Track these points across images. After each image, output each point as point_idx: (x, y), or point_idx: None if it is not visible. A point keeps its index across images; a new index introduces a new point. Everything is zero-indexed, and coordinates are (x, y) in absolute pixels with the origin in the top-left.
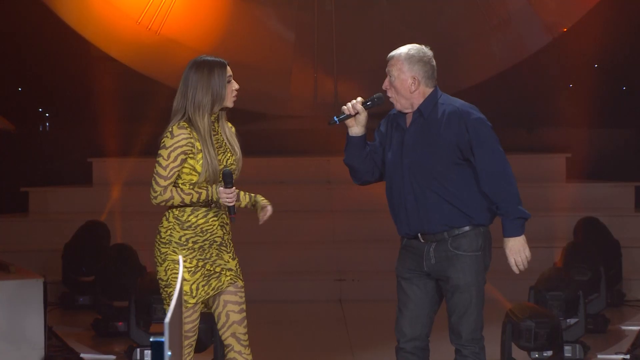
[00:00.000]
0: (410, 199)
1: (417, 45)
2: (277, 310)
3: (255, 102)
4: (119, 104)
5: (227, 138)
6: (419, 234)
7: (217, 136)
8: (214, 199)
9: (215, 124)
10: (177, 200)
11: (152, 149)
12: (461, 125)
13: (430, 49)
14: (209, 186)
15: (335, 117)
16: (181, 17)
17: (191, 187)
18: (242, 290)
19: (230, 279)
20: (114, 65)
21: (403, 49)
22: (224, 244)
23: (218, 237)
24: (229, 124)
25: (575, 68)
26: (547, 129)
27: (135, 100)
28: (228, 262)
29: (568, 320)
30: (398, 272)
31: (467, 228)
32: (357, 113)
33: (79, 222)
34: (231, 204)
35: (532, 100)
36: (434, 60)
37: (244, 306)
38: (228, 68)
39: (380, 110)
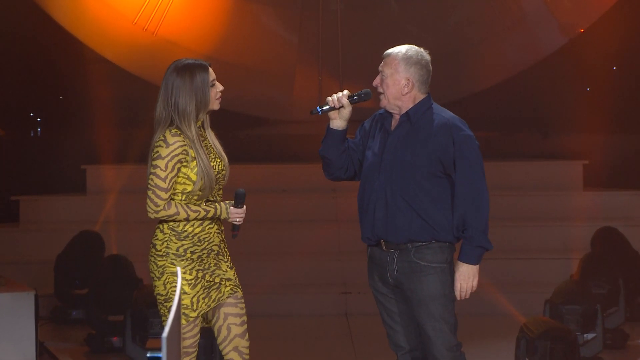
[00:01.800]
0: (380, 205)
1: (416, 47)
2: (279, 326)
3: (256, 107)
4: (114, 108)
5: (213, 144)
6: (382, 241)
7: (205, 142)
8: (222, 218)
9: (202, 130)
10: (182, 216)
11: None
12: (448, 138)
13: (429, 53)
14: (218, 205)
15: (318, 107)
16: (179, 17)
17: (185, 197)
18: (242, 301)
19: (230, 289)
20: (109, 67)
21: (401, 48)
22: (221, 253)
23: (215, 245)
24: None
25: (593, 70)
26: (563, 134)
27: (131, 104)
28: (226, 271)
29: (585, 335)
30: (372, 287)
31: (432, 242)
32: (341, 106)
33: (72, 232)
34: (238, 223)
35: (548, 104)
36: (430, 66)
37: (245, 318)
38: (211, 70)
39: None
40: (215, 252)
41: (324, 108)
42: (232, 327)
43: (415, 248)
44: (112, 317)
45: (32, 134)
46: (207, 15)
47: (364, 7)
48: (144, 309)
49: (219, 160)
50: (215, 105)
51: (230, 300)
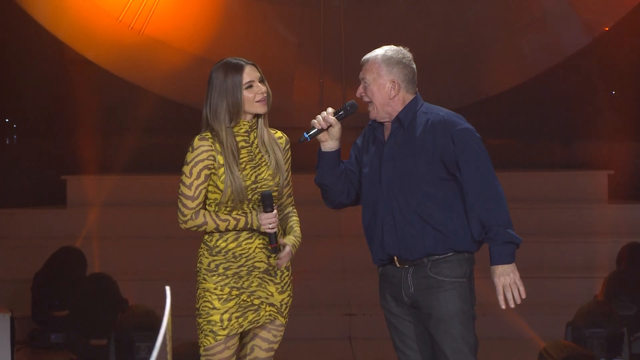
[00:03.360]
0: (388, 221)
1: (394, 46)
2: (278, 349)
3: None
4: (98, 113)
5: (265, 150)
6: (395, 257)
7: (249, 148)
8: (255, 227)
9: (252, 134)
10: (211, 226)
11: (135, 165)
12: (446, 136)
13: (437, 54)
14: (249, 211)
15: (305, 134)
16: (168, 14)
17: (217, 207)
18: (280, 329)
19: (270, 314)
20: (92, 69)
21: (379, 51)
22: (272, 272)
23: (260, 262)
24: (278, 134)
25: (619, 72)
26: (586, 142)
27: (116, 108)
28: (272, 295)
29: None
30: (383, 308)
31: (449, 254)
32: (329, 126)
33: (51, 249)
34: (272, 231)
35: (569, 110)
36: (414, 64)
37: (274, 346)
38: (249, 71)
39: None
40: (262, 270)
41: (312, 133)
42: (255, 349)
43: (431, 262)
44: (94, 341)
45: (7, 142)
46: (198, 12)
47: (368, 3)
48: (130, 332)
49: (264, 169)
50: (256, 108)
51: (267, 325)
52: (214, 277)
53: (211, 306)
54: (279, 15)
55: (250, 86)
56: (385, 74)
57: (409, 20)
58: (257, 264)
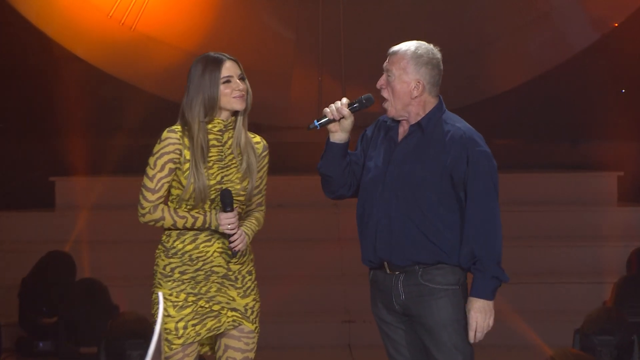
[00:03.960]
0: (383, 224)
1: (426, 43)
2: (274, 359)
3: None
4: (88, 112)
5: (238, 151)
6: (385, 263)
7: (220, 147)
8: (213, 227)
9: (226, 134)
10: (168, 222)
11: (126, 166)
12: (462, 154)
13: (440, 50)
14: (209, 211)
15: (315, 121)
16: (160, 10)
17: (178, 204)
18: (251, 336)
19: (233, 320)
20: (81, 66)
21: (410, 45)
22: (231, 277)
23: (218, 266)
24: (257, 138)
25: (628, 70)
26: (594, 142)
27: (107, 107)
28: (233, 299)
29: None
30: (375, 315)
31: (439, 264)
32: (342, 117)
33: (39, 253)
34: (232, 232)
35: (577, 109)
36: (442, 65)
37: (250, 355)
38: (228, 66)
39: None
40: (220, 274)
41: (322, 121)
42: None
43: (422, 269)
44: (84, 350)
45: None
46: (192, 7)
47: None
48: (121, 340)
49: (233, 170)
50: (233, 103)
51: (233, 332)
52: (169, 283)
53: (165, 313)
54: (276, 10)
55: (228, 81)
56: (412, 72)
57: (410, 16)
58: (215, 269)
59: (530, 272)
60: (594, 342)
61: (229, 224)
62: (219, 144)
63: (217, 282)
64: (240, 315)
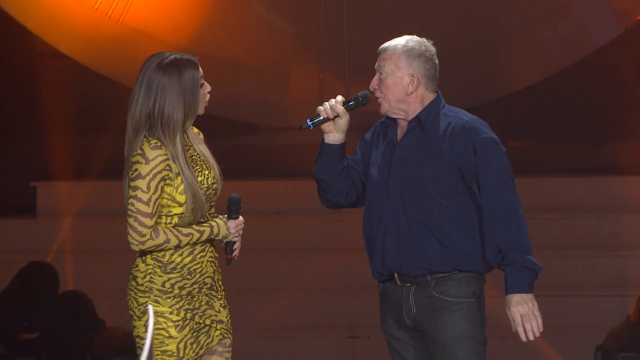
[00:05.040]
0: (391, 230)
1: (417, 37)
2: None
3: (245, 111)
4: (71, 111)
5: (199, 150)
6: (396, 274)
7: (189, 151)
8: (221, 236)
9: (185, 137)
10: (172, 243)
11: (113, 170)
12: (468, 144)
13: (451, 46)
14: (213, 222)
15: (308, 121)
16: (150, 1)
17: (169, 220)
18: (230, 350)
19: (221, 334)
20: (65, 62)
21: (400, 40)
22: (215, 287)
23: (208, 277)
24: (195, 129)
25: None
26: (617, 144)
27: (92, 106)
28: (219, 311)
29: None
30: (384, 331)
31: (455, 272)
32: (336, 116)
33: (19, 264)
34: (237, 239)
35: (598, 108)
36: (436, 59)
37: None
38: (200, 69)
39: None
40: (209, 285)
41: (315, 120)
42: None
43: (435, 280)
44: None
45: None
46: None
47: None
48: (108, 356)
49: (207, 172)
50: (202, 109)
51: (217, 347)
52: (169, 300)
53: (167, 334)
54: (274, 2)
55: (202, 84)
56: (405, 66)
57: (418, 8)
58: (206, 280)
59: (548, 284)
60: (616, 359)
61: (238, 232)
62: (187, 147)
63: (206, 295)
64: (225, 328)
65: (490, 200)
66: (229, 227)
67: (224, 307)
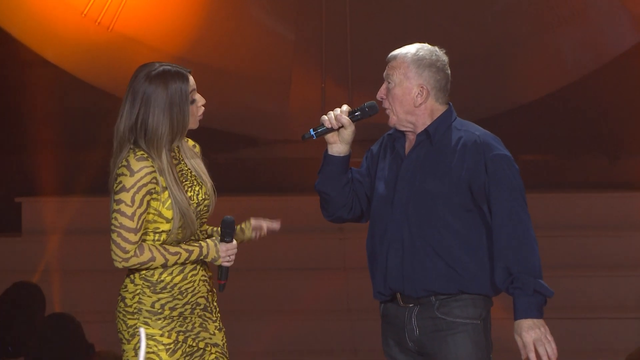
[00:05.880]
0: (395, 248)
1: (429, 45)
2: None
3: (241, 123)
4: (59, 123)
5: (191, 165)
6: (398, 294)
7: (179, 165)
8: (210, 259)
9: (175, 150)
10: (158, 261)
11: (102, 185)
12: (479, 161)
13: (455, 53)
14: (203, 242)
15: (311, 130)
16: (141, 7)
17: (157, 237)
18: None
19: (216, 358)
20: (52, 71)
21: (410, 48)
22: (209, 308)
23: (202, 297)
24: (190, 142)
25: None
26: (635, 157)
27: (80, 118)
28: (214, 334)
29: None
30: (387, 355)
31: (459, 294)
32: (341, 126)
33: (2, 284)
34: (229, 264)
35: (616, 119)
36: (448, 69)
37: None
38: (191, 79)
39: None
40: (202, 306)
41: (319, 130)
42: None
43: (440, 301)
44: None
45: None
46: (177, 4)
47: None
48: None
49: (197, 188)
50: (194, 124)
51: None
52: (159, 321)
53: (157, 359)
54: (273, 8)
55: (194, 100)
56: (414, 76)
57: (426, 13)
58: (199, 300)
59: (566, 306)
60: None
61: (229, 256)
62: (177, 161)
63: (199, 316)
64: (220, 352)
65: (501, 220)
66: (219, 250)
67: (220, 330)
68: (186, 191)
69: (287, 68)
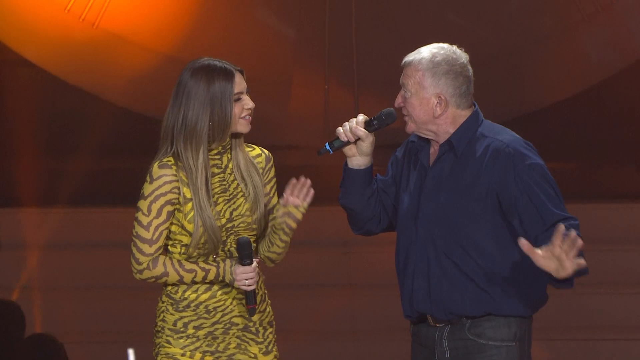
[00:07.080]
0: (420, 268)
1: (447, 46)
2: None
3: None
4: (40, 128)
5: (240, 176)
6: (428, 316)
7: (221, 175)
8: (227, 280)
9: (225, 157)
10: (172, 277)
11: (86, 196)
12: (508, 171)
13: (465, 51)
14: (222, 262)
15: (327, 145)
16: (129, 2)
17: (184, 251)
18: None
19: None
20: (32, 72)
21: (425, 53)
22: (252, 329)
23: (239, 317)
24: (256, 150)
25: None
26: None
27: (64, 122)
28: (255, 357)
29: None
30: None
31: (492, 316)
32: (358, 139)
33: None
34: (250, 289)
35: None
36: (469, 69)
37: None
38: (239, 80)
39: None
40: (242, 326)
41: (335, 144)
42: None
43: (471, 321)
44: None
45: None
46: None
47: None
48: None
49: (240, 201)
50: (241, 126)
51: None
52: (181, 340)
53: None
54: (273, 5)
55: (240, 99)
56: (430, 85)
57: (441, 11)
58: (234, 319)
59: (592, 324)
60: None
61: (246, 280)
62: (219, 170)
63: (237, 337)
64: None
65: (542, 227)
66: (233, 273)
67: (266, 353)
68: (216, 202)
69: (288, 68)
